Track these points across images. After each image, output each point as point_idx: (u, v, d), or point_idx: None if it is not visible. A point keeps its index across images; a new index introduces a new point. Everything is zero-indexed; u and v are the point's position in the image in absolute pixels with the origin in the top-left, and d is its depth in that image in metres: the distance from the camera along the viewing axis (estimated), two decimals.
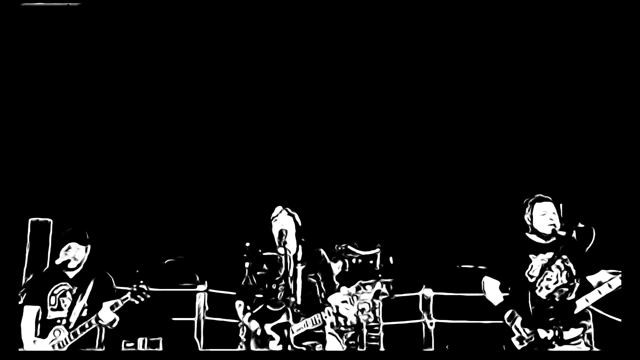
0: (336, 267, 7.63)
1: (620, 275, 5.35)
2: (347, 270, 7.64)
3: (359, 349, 7.26)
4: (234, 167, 8.20)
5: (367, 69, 8.05)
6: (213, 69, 8.06)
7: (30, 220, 7.85)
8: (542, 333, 5.27)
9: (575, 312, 5.39)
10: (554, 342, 5.29)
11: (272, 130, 8.20)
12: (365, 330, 7.49)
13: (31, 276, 6.63)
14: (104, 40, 7.84)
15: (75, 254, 6.03)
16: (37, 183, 7.75)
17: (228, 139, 8.22)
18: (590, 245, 5.43)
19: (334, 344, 5.91)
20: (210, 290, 7.81)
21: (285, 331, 5.65)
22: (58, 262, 6.06)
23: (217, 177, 8.19)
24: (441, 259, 7.80)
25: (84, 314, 5.91)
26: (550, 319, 5.32)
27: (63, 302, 5.95)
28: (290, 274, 5.78)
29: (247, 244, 7.08)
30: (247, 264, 6.85)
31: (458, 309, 7.62)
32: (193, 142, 8.21)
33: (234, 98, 8.17)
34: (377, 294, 5.76)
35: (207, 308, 7.81)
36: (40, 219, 7.86)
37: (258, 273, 6.04)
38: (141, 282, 5.91)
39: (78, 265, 6.05)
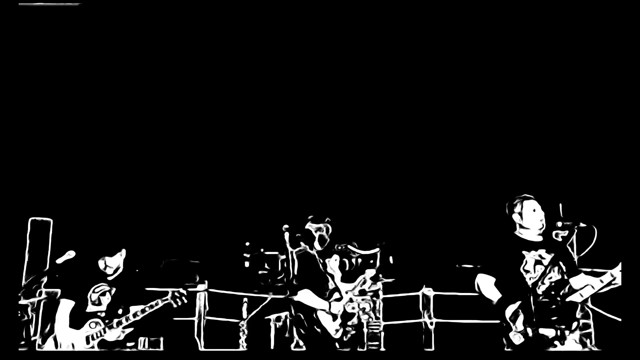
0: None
1: (610, 272, 5.39)
2: (346, 268, 7.64)
3: (359, 349, 7.25)
4: (235, 167, 8.20)
5: (367, 71, 8.05)
6: (213, 69, 8.05)
7: (30, 219, 7.85)
8: (543, 332, 5.27)
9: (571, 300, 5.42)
10: (555, 342, 5.30)
11: (273, 131, 8.20)
12: (366, 330, 7.48)
13: (45, 272, 6.90)
14: (103, 40, 7.84)
15: (109, 263, 6.35)
16: (37, 183, 7.75)
17: (228, 140, 8.22)
18: (592, 244, 5.45)
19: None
20: (211, 290, 7.82)
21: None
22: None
23: (217, 177, 8.19)
24: (441, 258, 7.80)
25: (125, 311, 6.23)
26: (553, 318, 5.33)
27: (102, 300, 6.28)
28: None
29: (247, 244, 7.11)
30: (247, 264, 6.89)
31: (458, 308, 7.62)
32: (193, 143, 8.21)
33: (233, 98, 8.17)
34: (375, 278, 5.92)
35: (207, 308, 7.82)
36: (41, 219, 7.86)
37: (260, 272, 6.13)
38: (181, 287, 6.29)
39: (115, 271, 6.37)
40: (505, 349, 5.39)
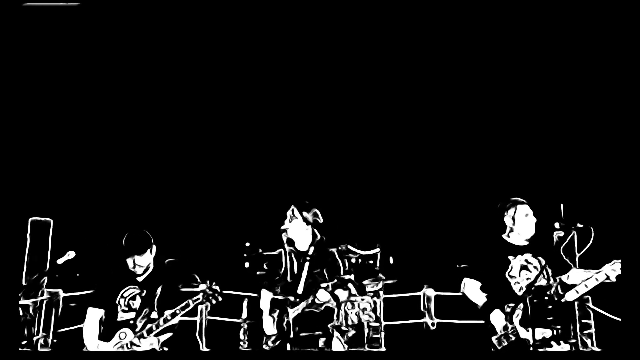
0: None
1: (602, 270, 5.40)
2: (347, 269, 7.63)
3: (359, 349, 7.25)
4: (235, 167, 8.20)
5: (367, 70, 8.04)
6: (213, 68, 8.06)
7: (30, 220, 7.87)
8: (539, 332, 5.26)
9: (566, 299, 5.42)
10: (552, 342, 5.30)
11: (272, 131, 8.20)
12: (366, 330, 7.48)
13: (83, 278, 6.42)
14: (105, 40, 7.84)
15: (138, 261, 5.83)
16: (37, 183, 7.75)
17: (228, 140, 8.22)
18: (589, 245, 5.44)
19: (336, 345, 5.93)
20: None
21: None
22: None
23: (217, 177, 8.20)
24: (442, 258, 7.78)
25: (153, 316, 5.75)
26: (549, 319, 5.33)
27: (133, 304, 5.78)
28: (294, 271, 5.89)
29: (247, 244, 7.11)
30: (247, 264, 6.88)
31: (459, 308, 7.60)
32: (193, 142, 8.22)
33: (234, 98, 8.17)
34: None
35: (209, 307, 7.82)
36: (40, 219, 7.88)
37: (258, 272, 6.10)
38: (214, 283, 5.81)
39: (145, 270, 5.89)
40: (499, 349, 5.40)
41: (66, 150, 8.02)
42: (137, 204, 7.96)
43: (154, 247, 5.92)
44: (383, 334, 7.57)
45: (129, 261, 5.82)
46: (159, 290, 5.81)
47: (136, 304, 5.77)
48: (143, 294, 5.80)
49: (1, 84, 6.27)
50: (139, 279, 5.87)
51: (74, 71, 7.93)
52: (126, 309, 5.75)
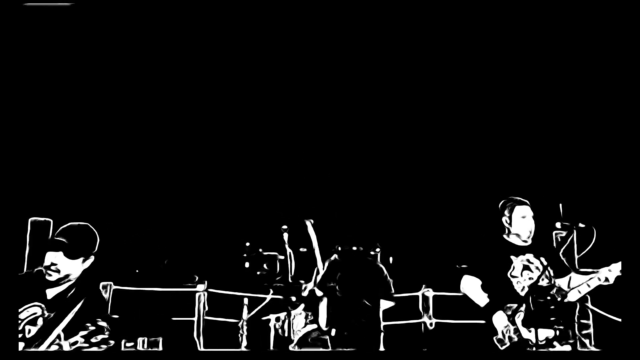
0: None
1: (601, 271, 5.39)
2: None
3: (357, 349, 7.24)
4: (235, 167, 8.20)
5: (367, 71, 8.06)
6: (213, 67, 8.06)
7: (30, 220, 7.85)
8: (542, 333, 5.25)
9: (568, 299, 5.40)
10: (554, 342, 5.29)
11: (272, 132, 8.21)
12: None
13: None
14: (105, 41, 7.85)
15: (58, 263, 4.28)
16: (37, 183, 7.74)
17: (228, 140, 8.22)
18: (591, 245, 5.44)
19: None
20: (210, 290, 7.82)
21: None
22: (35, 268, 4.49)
23: (217, 177, 8.20)
24: (441, 259, 7.79)
25: (56, 343, 4.14)
26: (552, 319, 5.32)
27: (29, 331, 4.23)
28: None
29: (247, 244, 7.10)
30: (247, 264, 6.88)
31: (458, 309, 7.61)
32: (193, 142, 8.22)
33: (234, 98, 8.18)
34: None
35: (206, 308, 7.82)
36: (40, 219, 7.86)
37: (258, 272, 6.12)
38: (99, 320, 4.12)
39: (61, 280, 4.31)
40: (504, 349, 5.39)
41: (66, 150, 8.02)
42: (137, 204, 7.96)
43: (91, 257, 4.40)
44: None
45: (48, 258, 4.29)
46: (75, 309, 4.17)
47: (33, 330, 4.21)
48: (48, 317, 4.21)
49: (1, 83, 6.25)
50: (50, 294, 4.28)
51: (74, 71, 7.93)
52: (19, 337, 4.19)
